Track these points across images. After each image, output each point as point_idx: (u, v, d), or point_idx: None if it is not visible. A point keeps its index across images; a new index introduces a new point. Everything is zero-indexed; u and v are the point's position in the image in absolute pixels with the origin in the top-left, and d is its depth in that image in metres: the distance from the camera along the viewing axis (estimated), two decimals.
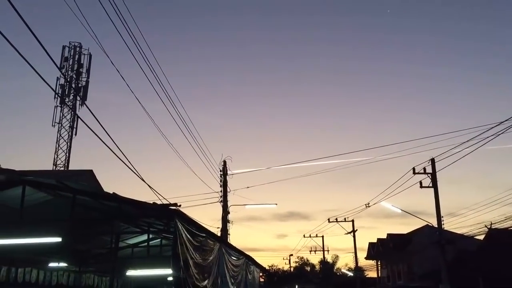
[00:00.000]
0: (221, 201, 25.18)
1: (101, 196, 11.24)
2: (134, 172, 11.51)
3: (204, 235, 12.30)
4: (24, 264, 14.56)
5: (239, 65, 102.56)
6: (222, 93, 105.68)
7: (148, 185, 13.19)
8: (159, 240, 15.77)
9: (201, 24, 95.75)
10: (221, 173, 25.58)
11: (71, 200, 10.89)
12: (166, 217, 11.18)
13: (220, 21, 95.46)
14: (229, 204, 25.45)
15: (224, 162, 25.65)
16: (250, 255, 19.30)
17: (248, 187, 26.78)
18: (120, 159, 10.33)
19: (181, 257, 10.44)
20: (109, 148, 9.81)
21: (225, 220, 25.06)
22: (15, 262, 14.03)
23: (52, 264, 16.12)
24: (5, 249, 12.39)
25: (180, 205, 10.65)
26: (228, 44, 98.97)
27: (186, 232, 10.87)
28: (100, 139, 9.18)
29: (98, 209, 11.94)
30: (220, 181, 25.56)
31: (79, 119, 34.77)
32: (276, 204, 28.91)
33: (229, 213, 25.22)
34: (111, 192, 11.93)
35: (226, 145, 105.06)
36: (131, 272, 17.52)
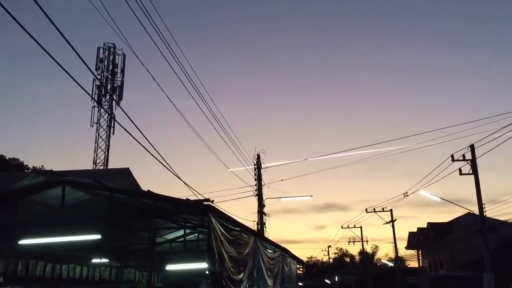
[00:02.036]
0: (256, 195, 25.33)
1: (136, 194, 11.53)
2: (169, 170, 11.76)
3: (238, 229, 12.42)
4: (68, 261, 15.10)
5: (269, 57, 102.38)
6: (254, 86, 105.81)
7: (183, 182, 13.43)
8: (195, 234, 16.02)
9: (229, 18, 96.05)
10: (255, 166, 25.73)
11: (108, 198, 11.22)
12: (200, 212, 11.36)
13: (249, 14, 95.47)
14: (264, 197, 25.60)
15: (258, 155, 25.78)
16: (286, 248, 19.38)
17: (282, 180, 26.82)
18: (155, 158, 10.57)
19: (215, 251, 10.60)
20: (144, 148, 10.07)
21: (261, 213, 25.21)
22: (59, 259, 14.57)
23: (94, 260, 16.67)
24: (49, 247, 12.87)
25: (213, 200, 10.83)
26: (259, 37, 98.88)
27: (220, 227, 11.01)
28: (135, 139, 9.43)
29: (135, 206, 12.25)
30: (255, 175, 25.71)
31: (114, 120, 35.59)
32: (311, 196, 28.82)
33: (264, 206, 25.35)
34: (146, 190, 12.26)
35: (259, 138, 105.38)
36: (170, 267, 17.93)
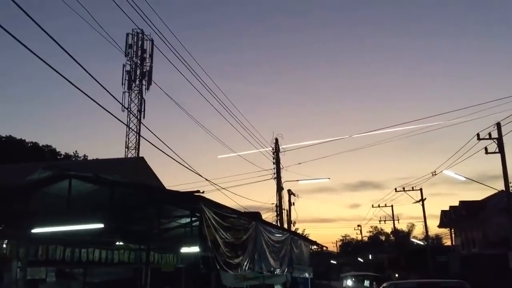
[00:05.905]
0: (274, 178, 25.98)
1: (134, 186, 12.34)
2: (186, 167, 12.50)
3: (236, 216, 13.11)
4: (87, 245, 16.18)
5: (288, 38, 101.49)
6: (276, 69, 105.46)
7: (197, 173, 14.18)
8: None
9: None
10: (273, 151, 26.33)
11: (111, 190, 12.09)
12: (191, 202, 12.09)
13: None
14: (283, 180, 26.22)
15: (276, 139, 26.38)
16: (296, 231, 19.97)
17: (300, 163, 27.35)
18: (166, 154, 11.38)
19: (208, 238, 11.34)
20: (157, 147, 10.88)
21: (279, 196, 25.88)
22: (77, 244, 15.63)
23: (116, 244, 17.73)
24: (65, 233, 13.88)
25: (203, 192, 11.51)
26: (277, 16, 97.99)
27: (213, 215, 11.70)
28: (147, 139, 10.20)
29: (136, 196, 13.09)
30: (273, 159, 26.34)
31: (145, 104, 36.66)
32: (329, 178, 29.37)
33: (283, 188, 26.01)
34: (158, 178, 13.11)
35: (278, 121, 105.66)
36: (184, 249, 18.94)
